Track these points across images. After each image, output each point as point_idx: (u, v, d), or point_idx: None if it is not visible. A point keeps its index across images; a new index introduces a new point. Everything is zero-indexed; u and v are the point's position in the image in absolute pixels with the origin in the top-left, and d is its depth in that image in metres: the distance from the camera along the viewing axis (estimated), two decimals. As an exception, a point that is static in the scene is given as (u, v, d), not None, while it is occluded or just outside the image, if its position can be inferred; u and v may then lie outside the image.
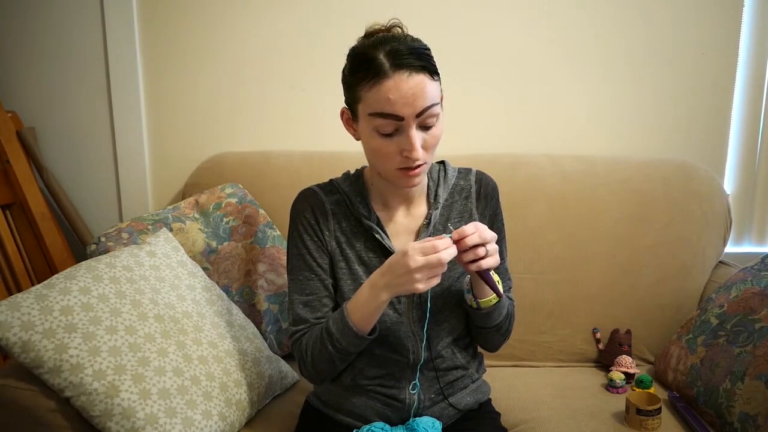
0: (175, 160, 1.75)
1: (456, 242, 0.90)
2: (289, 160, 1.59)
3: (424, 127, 0.94)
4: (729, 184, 1.78)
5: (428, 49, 0.95)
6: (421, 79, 0.91)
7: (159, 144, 1.75)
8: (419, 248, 0.88)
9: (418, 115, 0.91)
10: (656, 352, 1.46)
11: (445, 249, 0.87)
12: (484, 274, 0.93)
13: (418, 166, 0.95)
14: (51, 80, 1.71)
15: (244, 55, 1.70)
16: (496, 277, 1.00)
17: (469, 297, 1.02)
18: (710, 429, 1.12)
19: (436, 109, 0.94)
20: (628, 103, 1.73)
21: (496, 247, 0.93)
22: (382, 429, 0.97)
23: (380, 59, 0.91)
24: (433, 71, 0.94)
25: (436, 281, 0.89)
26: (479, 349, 1.16)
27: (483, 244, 0.90)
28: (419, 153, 0.93)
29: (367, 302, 0.94)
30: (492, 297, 0.99)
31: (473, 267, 0.91)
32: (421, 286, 0.88)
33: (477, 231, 0.90)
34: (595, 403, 1.24)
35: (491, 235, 0.92)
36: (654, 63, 1.70)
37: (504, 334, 1.09)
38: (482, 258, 0.91)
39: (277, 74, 1.71)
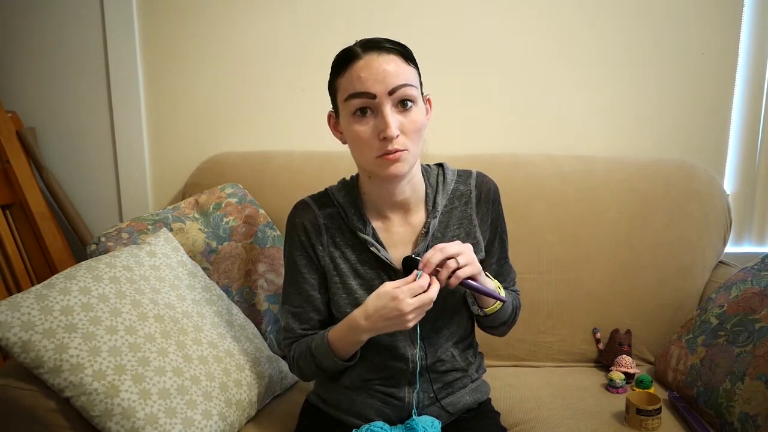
0: (175, 160, 1.75)
1: (425, 268, 0.92)
2: (289, 160, 1.59)
3: (401, 110, 0.94)
4: (729, 184, 1.78)
5: (406, 46, 0.97)
6: (392, 59, 0.93)
7: (159, 144, 1.75)
8: (408, 290, 0.89)
9: (391, 93, 0.92)
10: (656, 352, 1.46)
11: (429, 286, 0.90)
12: (471, 286, 0.94)
13: (398, 151, 0.93)
14: (51, 80, 1.72)
15: (244, 55, 1.70)
16: (495, 283, 1.02)
17: (475, 308, 1.04)
18: (710, 429, 1.12)
19: (411, 91, 0.94)
20: (628, 103, 1.72)
21: (472, 256, 0.94)
22: (382, 428, 0.98)
23: (353, 48, 0.95)
24: (407, 57, 0.96)
25: (422, 315, 0.92)
26: (479, 349, 1.16)
27: (451, 257, 0.91)
28: (393, 131, 0.92)
29: (347, 338, 0.98)
30: (496, 304, 1.02)
31: (453, 281, 0.92)
32: (412, 324, 0.91)
33: (437, 251, 0.92)
34: (595, 403, 1.24)
35: (457, 249, 0.92)
36: (654, 63, 1.70)
37: (511, 325, 1.12)
38: (457, 269, 0.91)
39: (276, 74, 1.71)
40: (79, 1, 1.67)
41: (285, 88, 1.72)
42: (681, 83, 1.71)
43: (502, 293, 1.02)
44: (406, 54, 0.96)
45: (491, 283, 1.01)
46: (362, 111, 0.94)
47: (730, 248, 1.66)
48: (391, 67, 0.92)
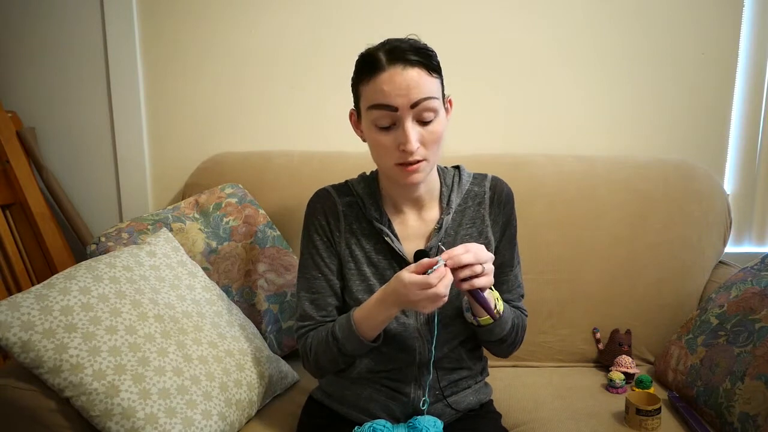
0: (175, 160, 1.75)
1: (449, 261, 0.89)
2: (289, 160, 1.59)
3: (422, 122, 0.95)
4: (729, 184, 1.78)
5: (431, 50, 0.97)
6: (416, 73, 0.93)
7: (159, 144, 1.75)
8: (414, 285, 0.88)
9: (413, 107, 0.93)
10: (656, 352, 1.46)
11: (440, 281, 0.87)
12: (476, 295, 0.93)
13: (417, 162, 0.95)
14: (51, 80, 1.71)
15: (245, 55, 1.70)
16: (495, 294, 1.00)
17: (468, 315, 1.03)
18: (710, 429, 1.12)
19: (433, 103, 0.94)
20: (628, 103, 1.73)
21: (492, 267, 0.93)
22: (384, 427, 0.97)
23: (378, 56, 0.94)
24: (431, 68, 0.95)
25: (443, 302, 0.89)
26: (484, 353, 1.16)
27: (479, 263, 0.90)
28: (413, 145, 0.93)
29: (376, 315, 0.96)
30: (488, 317, 0.99)
31: (466, 286, 0.91)
32: (428, 310, 0.91)
33: (469, 251, 0.90)
34: (595, 403, 1.24)
35: (487, 256, 0.92)
36: (654, 63, 1.70)
37: (512, 345, 1.08)
38: (477, 276, 0.90)
39: (277, 74, 1.71)
40: (79, 1, 1.67)
41: (285, 88, 1.72)
42: (681, 83, 1.71)
43: (500, 305, 1.00)
44: (429, 64, 0.95)
45: (491, 295, 0.99)
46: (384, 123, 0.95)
47: (730, 248, 1.66)
48: (414, 81, 0.92)
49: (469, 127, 1.71)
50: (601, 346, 1.47)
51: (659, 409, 1.13)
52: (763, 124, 1.74)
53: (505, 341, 1.05)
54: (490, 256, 0.92)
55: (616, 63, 1.70)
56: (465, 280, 0.90)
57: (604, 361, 1.45)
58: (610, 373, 1.35)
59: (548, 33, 1.69)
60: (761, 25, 1.69)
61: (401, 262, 1.03)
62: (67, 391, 0.94)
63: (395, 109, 0.93)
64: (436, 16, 1.67)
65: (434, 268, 0.89)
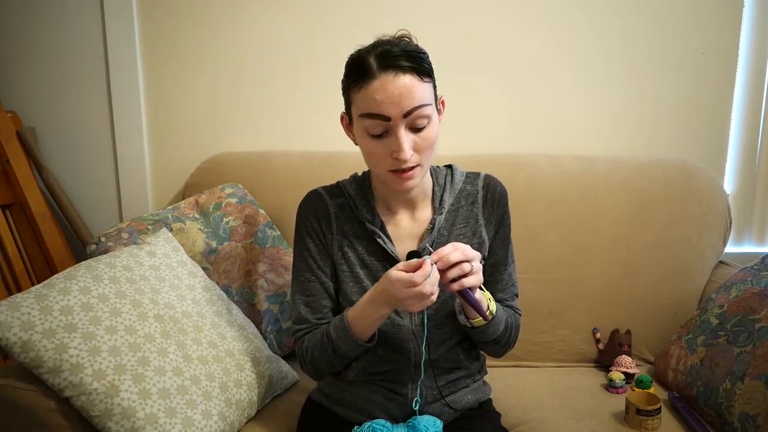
0: (175, 160, 1.75)
1: (438, 262, 0.89)
2: (289, 160, 1.59)
3: (415, 129, 0.94)
4: (729, 184, 1.78)
5: (422, 53, 0.95)
6: (408, 80, 0.91)
7: (159, 144, 1.75)
8: (400, 284, 0.88)
9: (406, 116, 0.92)
10: (656, 352, 1.46)
11: (425, 280, 0.86)
12: (466, 295, 0.92)
13: (411, 168, 0.95)
14: (51, 80, 1.72)
15: (245, 55, 1.70)
16: (487, 295, 0.99)
17: (461, 318, 1.02)
18: (710, 429, 1.12)
19: (426, 110, 0.93)
20: (628, 103, 1.73)
21: (480, 266, 0.93)
22: (384, 426, 0.97)
23: (369, 61, 0.92)
24: (423, 73, 0.93)
25: (431, 301, 0.89)
26: (482, 352, 1.16)
27: (467, 261, 0.89)
28: (407, 154, 0.92)
29: (369, 314, 0.96)
30: (481, 318, 0.98)
31: (455, 286, 0.90)
32: (416, 308, 0.90)
33: (457, 249, 0.90)
34: (595, 403, 1.24)
35: (474, 254, 0.91)
36: (654, 63, 1.70)
37: (506, 345, 1.08)
38: (465, 275, 0.89)
39: (277, 74, 1.71)
40: (79, 1, 1.67)
41: (285, 88, 1.72)
42: (681, 83, 1.71)
43: (492, 305, 0.99)
44: (421, 69, 0.93)
45: (483, 296, 0.98)
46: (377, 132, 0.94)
47: (730, 248, 1.66)
48: (407, 89, 0.91)
49: (469, 127, 1.71)
50: (601, 346, 1.47)
51: (659, 409, 1.13)
52: (763, 124, 1.74)
53: (499, 342, 1.05)
54: (477, 254, 0.92)
55: (617, 63, 1.70)
56: (454, 280, 0.90)
57: (604, 361, 1.45)
58: (610, 373, 1.35)
59: (548, 33, 1.69)
60: (761, 25, 1.69)
61: (394, 264, 1.01)
62: (67, 391, 0.94)
63: (388, 118, 0.92)
64: (436, 16, 1.67)
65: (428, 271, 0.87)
